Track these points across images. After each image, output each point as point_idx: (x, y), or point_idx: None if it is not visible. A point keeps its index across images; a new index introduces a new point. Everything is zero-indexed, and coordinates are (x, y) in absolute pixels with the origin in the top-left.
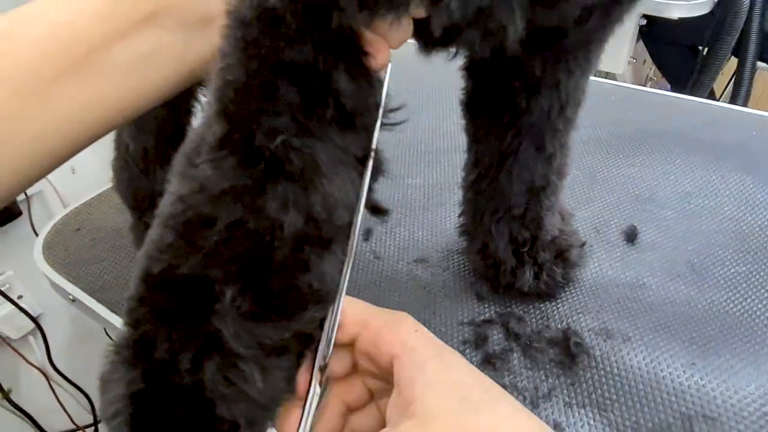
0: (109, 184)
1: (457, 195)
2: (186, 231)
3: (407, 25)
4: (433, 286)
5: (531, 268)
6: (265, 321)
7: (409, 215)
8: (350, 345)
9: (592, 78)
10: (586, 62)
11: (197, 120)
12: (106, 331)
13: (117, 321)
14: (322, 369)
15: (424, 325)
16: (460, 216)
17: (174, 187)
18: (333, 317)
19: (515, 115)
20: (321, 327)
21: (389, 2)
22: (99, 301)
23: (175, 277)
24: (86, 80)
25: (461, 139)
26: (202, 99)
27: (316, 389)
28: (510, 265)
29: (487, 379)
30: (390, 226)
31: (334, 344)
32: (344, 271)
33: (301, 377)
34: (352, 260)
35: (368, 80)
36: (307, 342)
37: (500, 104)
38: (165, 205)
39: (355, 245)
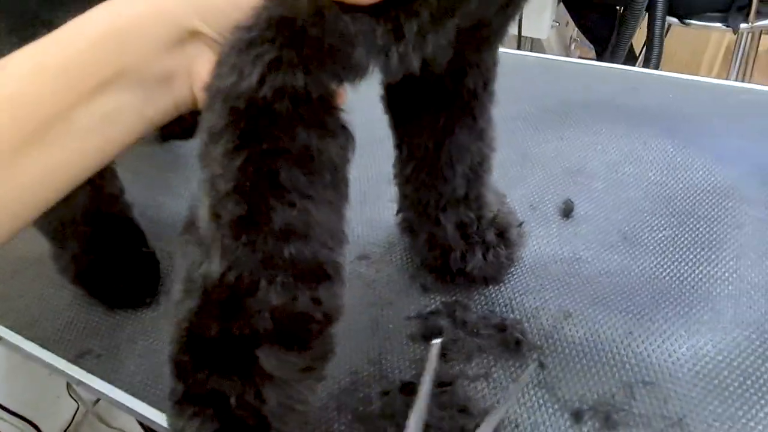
0: None
1: (393, 188)
2: (234, 301)
3: None
4: (378, 283)
5: (480, 249)
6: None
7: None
8: None
9: (515, 52)
10: (504, 34)
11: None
12: None
13: (49, 357)
14: None
15: (373, 323)
16: (398, 213)
17: (199, 259)
18: None
19: (445, 100)
20: None
21: (355, 74)
22: (28, 338)
23: (229, 338)
24: (47, 147)
25: None
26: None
27: None
28: (460, 250)
29: None
30: None
31: None
32: None
33: None
34: None
35: (345, 134)
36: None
37: (429, 92)
38: (198, 275)
39: None
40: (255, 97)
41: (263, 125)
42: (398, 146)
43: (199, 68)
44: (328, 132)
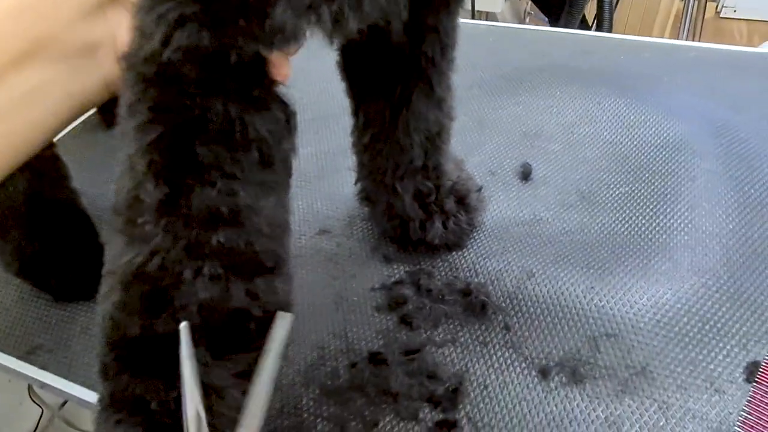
0: None
1: (351, 159)
2: (157, 295)
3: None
4: (340, 257)
5: (439, 217)
6: (228, 355)
7: (305, 187)
8: None
9: (468, 21)
10: None
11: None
12: None
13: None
14: None
15: (337, 297)
16: (357, 183)
17: (121, 248)
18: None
19: (403, 67)
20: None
21: (282, 38)
22: None
23: (152, 336)
24: None
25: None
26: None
27: None
28: (419, 220)
29: None
30: None
31: None
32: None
33: None
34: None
35: (280, 107)
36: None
37: (385, 58)
38: (120, 266)
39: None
40: (161, 62)
41: (172, 93)
42: (355, 114)
43: (123, 37)
44: (254, 104)
